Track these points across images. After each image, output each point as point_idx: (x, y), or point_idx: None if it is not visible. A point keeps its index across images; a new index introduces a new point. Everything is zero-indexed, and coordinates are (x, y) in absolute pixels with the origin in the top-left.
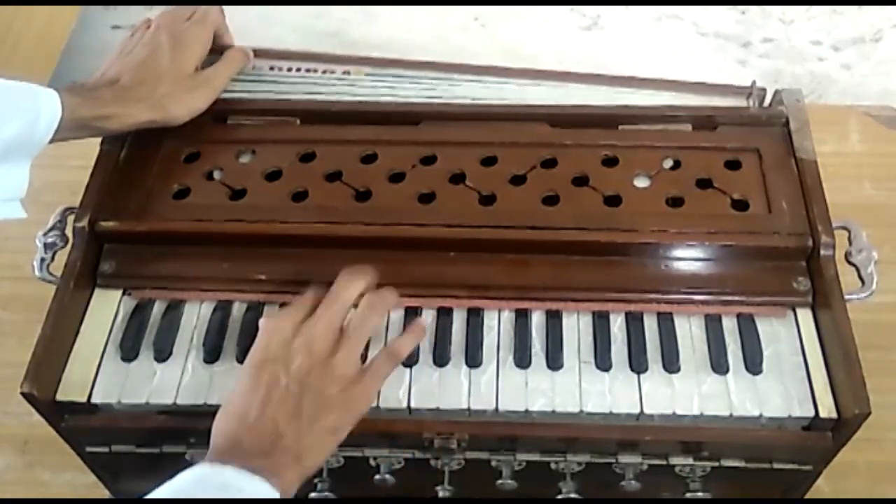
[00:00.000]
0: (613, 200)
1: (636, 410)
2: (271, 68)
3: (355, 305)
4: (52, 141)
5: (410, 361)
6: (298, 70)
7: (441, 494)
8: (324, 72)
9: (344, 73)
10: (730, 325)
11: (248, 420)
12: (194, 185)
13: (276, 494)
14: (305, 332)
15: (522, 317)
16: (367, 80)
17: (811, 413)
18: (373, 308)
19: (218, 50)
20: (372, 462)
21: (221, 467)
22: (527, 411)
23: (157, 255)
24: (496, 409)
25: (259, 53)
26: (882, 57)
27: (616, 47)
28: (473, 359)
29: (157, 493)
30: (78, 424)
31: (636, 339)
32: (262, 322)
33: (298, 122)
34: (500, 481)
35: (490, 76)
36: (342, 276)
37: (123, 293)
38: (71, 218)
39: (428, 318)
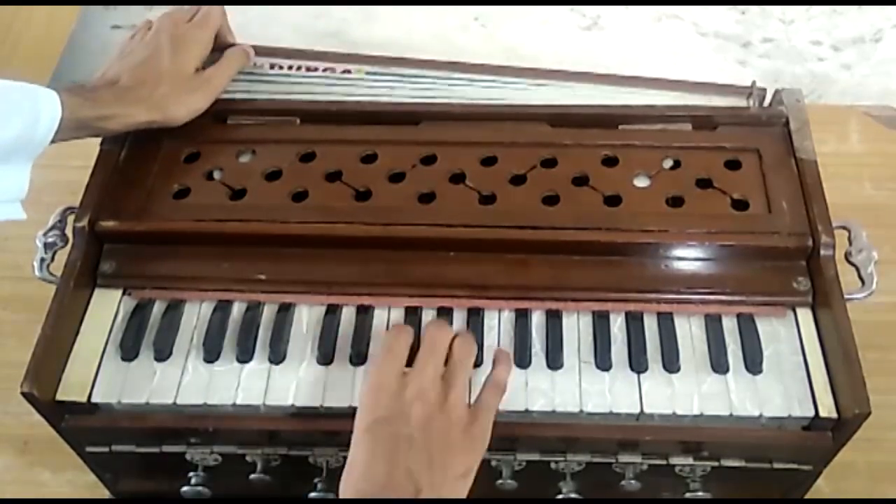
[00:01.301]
0: (613, 200)
1: (636, 410)
2: (272, 66)
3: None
4: (52, 141)
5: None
6: (299, 69)
7: None
8: (324, 70)
9: (344, 72)
10: (730, 325)
11: (381, 479)
12: (194, 185)
13: None
14: (414, 382)
15: (522, 317)
16: (367, 79)
17: (811, 413)
18: (468, 345)
19: (220, 49)
20: None
21: None
22: (527, 411)
23: (157, 254)
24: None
25: (259, 51)
26: (882, 57)
27: (616, 47)
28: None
29: None
30: (78, 424)
31: (636, 338)
32: (364, 382)
33: (298, 122)
34: (500, 481)
35: (490, 75)
36: (432, 325)
37: (123, 293)
38: (71, 218)
39: (428, 317)
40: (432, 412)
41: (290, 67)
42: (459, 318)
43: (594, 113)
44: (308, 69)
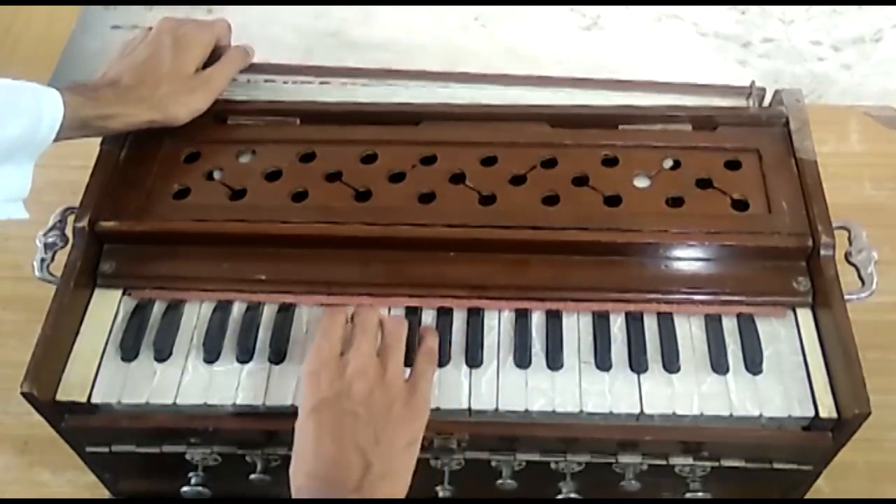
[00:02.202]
0: (613, 200)
1: (636, 410)
2: (266, 81)
3: None
4: (54, 140)
5: (410, 361)
6: (295, 83)
7: (441, 494)
8: (321, 83)
9: (341, 84)
10: (730, 325)
11: (331, 457)
12: (194, 185)
13: None
14: (352, 361)
15: (522, 317)
16: (363, 90)
17: (811, 413)
18: (399, 323)
19: (217, 58)
20: None
21: None
22: (527, 411)
23: (157, 255)
24: (496, 409)
25: (253, 68)
26: (882, 57)
27: (616, 47)
28: (473, 359)
29: None
30: (78, 424)
31: (636, 339)
32: (303, 368)
33: (298, 122)
34: (500, 481)
35: (488, 84)
36: (360, 307)
37: (123, 293)
38: (71, 218)
39: (428, 318)
40: (373, 388)
41: (284, 83)
42: (459, 318)
43: (594, 113)
44: (304, 83)
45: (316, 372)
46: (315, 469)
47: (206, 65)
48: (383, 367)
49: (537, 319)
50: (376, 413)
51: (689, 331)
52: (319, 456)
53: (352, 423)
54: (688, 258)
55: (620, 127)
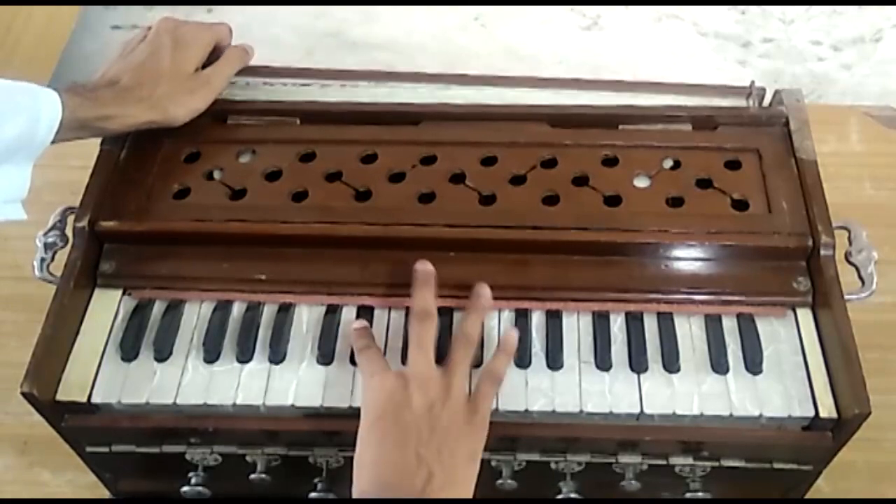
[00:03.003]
0: (613, 200)
1: (636, 410)
2: (265, 84)
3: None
4: (52, 142)
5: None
6: (294, 85)
7: None
8: (322, 87)
9: (341, 86)
10: (730, 325)
11: (394, 465)
12: (194, 185)
13: None
14: (411, 376)
15: (522, 317)
16: (363, 91)
17: (811, 413)
18: (468, 346)
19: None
20: None
21: None
22: (527, 411)
23: (157, 254)
24: (496, 408)
25: (252, 72)
26: (882, 57)
27: (616, 47)
28: (473, 358)
29: None
30: (78, 424)
31: (636, 338)
32: (364, 383)
33: (298, 122)
34: (500, 481)
35: (488, 86)
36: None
37: (123, 293)
38: (71, 218)
39: None
40: (434, 402)
41: (283, 85)
42: (460, 319)
43: (594, 113)
44: (303, 86)
45: (377, 388)
46: (378, 476)
47: (205, 65)
48: (446, 383)
49: (537, 319)
50: (437, 427)
51: (689, 331)
52: (383, 464)
53: (414, 434)
54: (688, 258)
55: (620, 127)
